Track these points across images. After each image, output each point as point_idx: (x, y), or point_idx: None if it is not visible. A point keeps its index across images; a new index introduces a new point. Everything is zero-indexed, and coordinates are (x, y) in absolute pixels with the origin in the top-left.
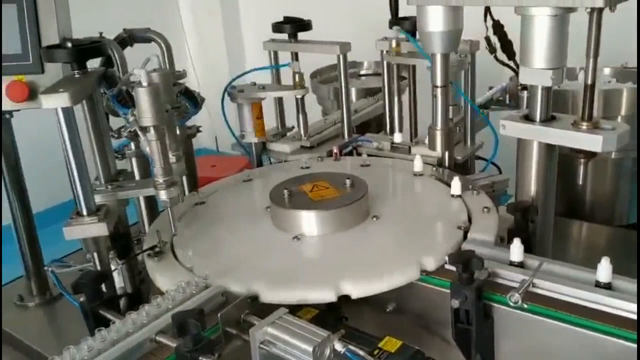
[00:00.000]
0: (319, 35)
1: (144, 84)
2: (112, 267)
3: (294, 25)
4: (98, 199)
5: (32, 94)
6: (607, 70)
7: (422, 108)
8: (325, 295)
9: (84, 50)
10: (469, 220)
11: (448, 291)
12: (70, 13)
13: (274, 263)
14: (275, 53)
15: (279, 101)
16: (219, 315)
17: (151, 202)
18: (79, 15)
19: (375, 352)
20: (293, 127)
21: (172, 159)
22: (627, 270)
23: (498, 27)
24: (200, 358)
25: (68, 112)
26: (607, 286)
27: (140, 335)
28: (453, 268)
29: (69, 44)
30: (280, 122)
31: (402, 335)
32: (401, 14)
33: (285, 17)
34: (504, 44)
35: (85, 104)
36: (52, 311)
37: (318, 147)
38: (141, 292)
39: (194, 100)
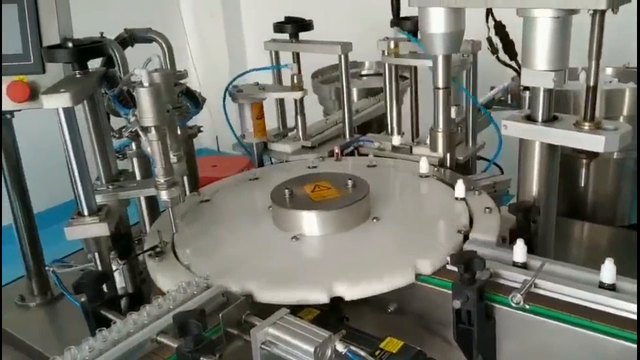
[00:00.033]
0: (320, 35)
1: (145, 84)
2: (113, 267)
3: (295, 26)
4: (99, 199)
5: (33, 94)
6: (609, 70)
7: (423, 108)
8: (318, 296)
9: (85, 50)
10: (471, 222)
11: (450, 292)
12: (71, 13)
13: (270, 263)
14: (277, 53)
15: (280, 101)
16: (220, 315)
17: (152, 202)
18: (79, 15)
19: (377, 352)
20: (294, 128)
21: (173, 159)
22: (629, 271)
23: (500, 28)
24: (201, 358)
25: (69, 112)
26: (611, 287)
27: (142, 336)
28: (455, 268)
29: (70, 44)
30: (281, 123)
31: (403, 335)
32: (403, 14)
33: (286, 17)
34: (506, 45)
35: (86, 104)
36: (53, 311)
37: (319, 147)
38: (142, 292)
39: (195, 101)
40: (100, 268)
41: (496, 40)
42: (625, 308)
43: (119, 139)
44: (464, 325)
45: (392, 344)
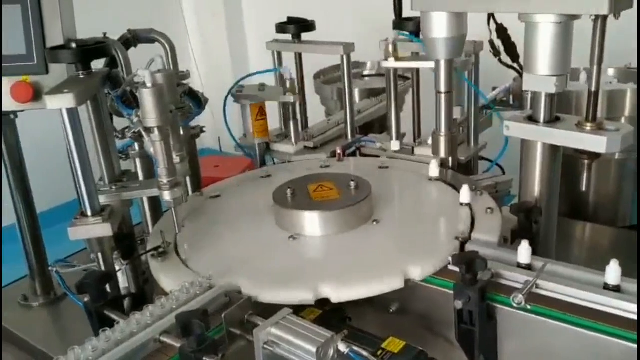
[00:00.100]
0: (322, 35)
1: (148, 84)
2: (117, 268)
3: (297, 26)
4: (102, 199)
5: (36, 94)
6: (610, 71)
7: (425, 108)
8: (304, 297)
9: (88, 51)
10: (472, 226)
11: (451, 292)
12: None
13: (263, 261)
14: (279, 54)
15: (283, 102)
16: (223, 315)
17: (155, 202)
18: (82, 15)
19: (379, 352)
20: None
21: (176, 159)
22: (630, 271)
23: (501, 31)
24: (204, 358)
25: (72, 113)
26: (616, 289)
27: (145, 336)
28: (457, 269)
29: (74, 45)
30: (283, 123)
31: (405, 335)
32: (405, 15)
33: (288, 18)
34: (508, 47)
35: (89, 104)
36: (56, 311)
37: (322, 147)
38: (145, 292)
39: (198, 101)
40: (103, 268)
41: (498, 43)
42: (627, 309)
43: (122, 139)
44: (465, 325)
45: (394, 344)
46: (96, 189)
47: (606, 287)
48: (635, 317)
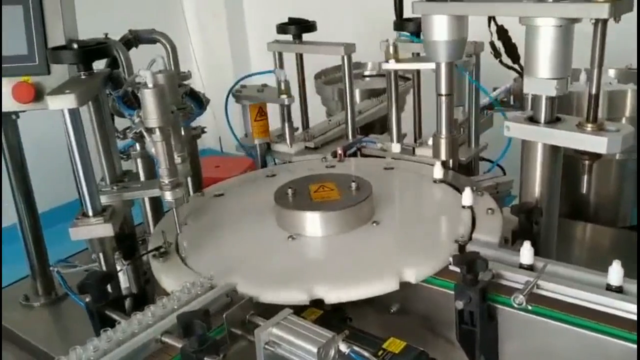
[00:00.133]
0: (323, 36)
1: (150, 85)
2: (118, 268)
3: (298, 27)
4: (104, 199)
5: (38, 95)
6: (611, 72)
7: (426, 107)
8: (298, 297)
9: (90, 51)
10: (473, 226)
11: (452, 292)
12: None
13: (261, 261)
14: (280, 54)
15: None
16: (224, 315)
17: (156, 202)
18: (84, 16)
19: (380, 353)
20: (298, 129)
21: (178, 160)
22: (631, 272)
23: (502, 32)
24: (205, 358)
25: (74, 114)
26: (619, 289)
27: (146, 336)
28: (457, 269)
29: (75, 45)
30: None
31: (406, 336)
32: (406, 15)
33: (289, 18)
34: (509, 48)
35: (91, 105)
36: (57, 311)
37: (322, 148)
38: (146, 292)
39: (199, 101)
40: (104, 268)
41: (499, 44)
42: (628, 309)
43: (124, 139)
44: (466, 326)
45: (394, 345)
46: (97, 189)
47: (609, 287)
48: (635, 317)
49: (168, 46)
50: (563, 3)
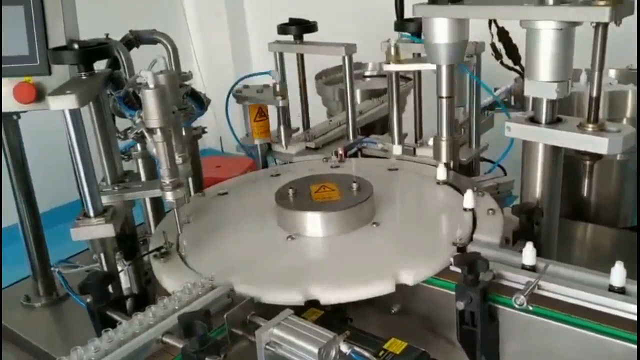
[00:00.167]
0: (324, 36)
1: (151, 85)
2: (119, 268)
3: (299, 27)
4: (105, 200)
5: (39, 95)
6: (612, 72)
7: (427, 107)
8: (293, 298)
9: (91, 51)
10: (474, 228)
11: (453, 293)
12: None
13: (259, 261)
14: (281, 54)
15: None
16: (225, 316)
17: (157, 203)
18: (85, 16)
19: (381, 353)
20: (298, 129)
21: (179, 160)
22: (631, 272)
23: (503, 34)
24: (206, 359)
25: (75, 114)
26: (621, 290)
27: (147, 336)
28: (458, 270)
29: (76, 46)
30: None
31: (407, 336)
32: (406, 16)
33: (290, 19)
34: (509, 50)
35: (92, 105)
36: (58, 311)
37: (323, 148)
38: (147, 293)
39: (200, 102)
40: (105, 269)
41: (499, 46)
42: (629, 310)
43: (125, 140)
44: (467, 326)
45: (395, 345)
46: (98, 189)
47: (611, 288)
48: (635, 317)
49: (169, 46)
50: (564, 6)
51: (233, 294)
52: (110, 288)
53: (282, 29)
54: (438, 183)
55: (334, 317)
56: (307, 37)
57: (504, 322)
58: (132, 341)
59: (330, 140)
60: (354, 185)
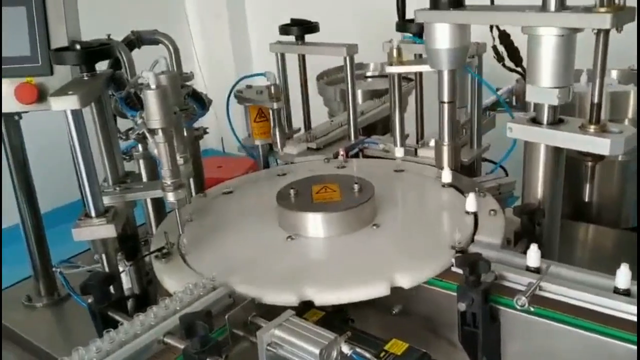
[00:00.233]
0: (324, 36)
1: (152, 86)
2: (120, 269)
3: (301, 28)
4: (106, 200)
5: (41, 95)
6: (613, 73)
7: (428, 109)
8: (288, 299)
9: (92, 52)
10: (475, 229)
11: (455, 294)
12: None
13: (257, 261)
14: (282, 55)
15: (285, 104)
16: (226, 317)
17: (158, 203)
18: (87, 17)
19: (382, 354)
20: (299, 129)
21: (180, 160)
22: (633, 274)
23: (504, 37)
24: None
25: (77, 115)
26: (626, 292)
27: (148, 337)
28: (460, 271)
29: (78, 46)
30: (286, 124)
31: (408, 337)
32: (408, 17)
33: (292, 19)
34: (511, 52)
35: (93, 106)
36: (60, 312)
37: (325, 148)
38: (149, 293)
39: (202, 102)
40: (107, 269)
41: (501, 48)
42: (631, 311)
43: (126, 140)
44: (469, 327)
45: (397, 346)
46: (100, 190)
47: (616, 290)
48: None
49: (170, 47)
50: (565, 13)
51: (234, 295)
52: (111, 288)
53: (284, 29)
54: (443, 186)
55: (335, 318)
56: (308, 37)
57: (506, 324)
58: (133, 342)
59: (331, 140)
60: (356, 187)
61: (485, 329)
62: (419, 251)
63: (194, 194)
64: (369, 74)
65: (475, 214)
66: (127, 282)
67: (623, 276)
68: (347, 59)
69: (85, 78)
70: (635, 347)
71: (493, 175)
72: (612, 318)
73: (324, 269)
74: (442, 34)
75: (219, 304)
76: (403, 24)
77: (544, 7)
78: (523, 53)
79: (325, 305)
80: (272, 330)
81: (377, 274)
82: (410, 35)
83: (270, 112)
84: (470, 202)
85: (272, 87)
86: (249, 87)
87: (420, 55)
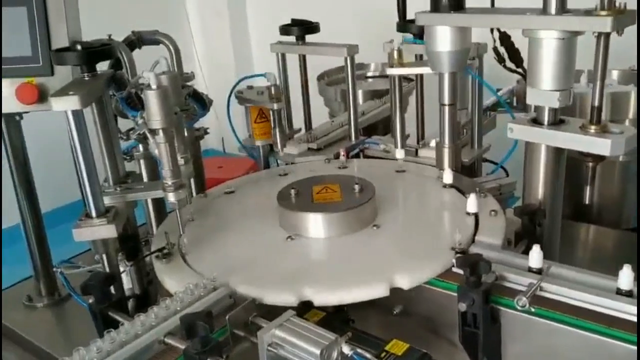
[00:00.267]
0: (325, 37)
1: (153, 86)
2: (121, 269)
3: (301, 28)
4: (107, 200)
5: (42, 96)
6: (614, 73)
7: (428, 109)
8: (288, 299)
9: (93, 52)
10: (476, 230)
11: (455, 294)
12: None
13: (256, 261)
14: (283, 55)
15: (286, 104)
16: (227, 317)
17: (159, 203)
18: (87, 17)
19: (382, 354)
20: (300, 130)
21: (181, 161)
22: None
23: (505, 38)
24: None
25: (78, 115)
26: (629, 293)
27: (149, 337)
28: (460, 271)
29: (79, 47)
30: (287, 125)
31: (409, 338)
32: (409, 17)
33: (292, 20)
34: (512, 53)
35: (94, 106)
36: (60, 312)
37: (325, 149)
38: (149, 293)
39: (202, 103)
40: (107, 269)
41: (502, 49)
42: (631, 312)
43: (127, 140)
44: (469, 328)
45: (397, 346)
46: (101, 190)
47: (619, 291)
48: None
49: (171, 47)
50: (566, 16)
51: (235, 295)
52: (112, 289)
53: (285, 29)
54: (444, 186)
55: (336, 319)
56: (309, 37)
57: (506, 324)
58: (134, 342)
59: (332, 141)
60: (356, 187)
61: (486, 329)
62: (419, 252)
63: (194, 194)
64: (369, 74)
65: (476, 215)
66: (127, 282)
67: (626, 277)
68: (348, 59)
69: (86, 78)
70: (635, 348)
71: (494, 176)
72: (613, 319)
73: (324, 269)
74: (442, 36)
75: (219, 304)
76: (404, 24)
77: (544, 10)
78: (524, 54)
79: (326, 306)
80: (272, 330)
81: (377, 275)
82: (411, 36)
83: (271, 112)
84: (471, 203)
85: (273, 88)
86: (250, 87)
87: (421, 56)
